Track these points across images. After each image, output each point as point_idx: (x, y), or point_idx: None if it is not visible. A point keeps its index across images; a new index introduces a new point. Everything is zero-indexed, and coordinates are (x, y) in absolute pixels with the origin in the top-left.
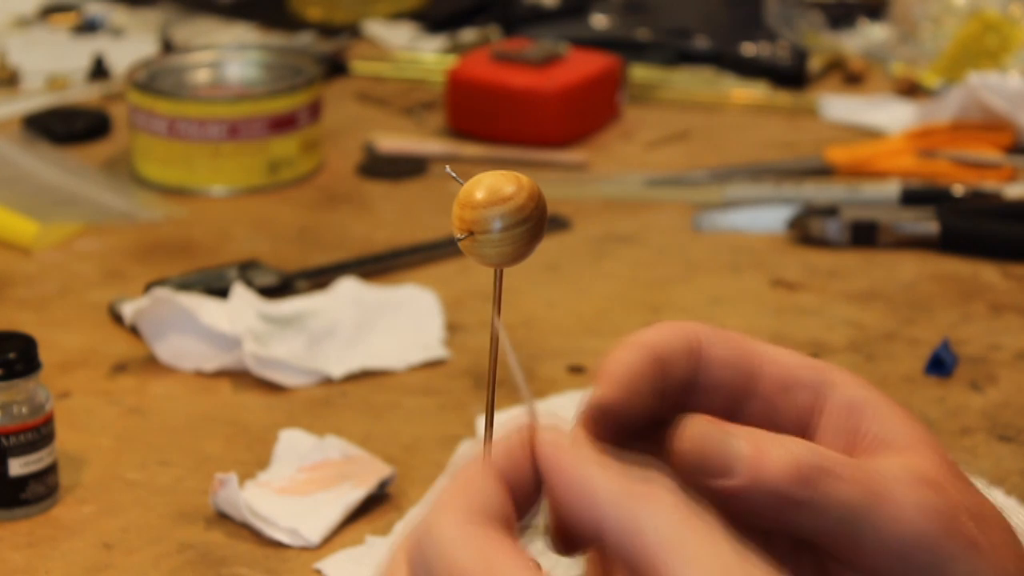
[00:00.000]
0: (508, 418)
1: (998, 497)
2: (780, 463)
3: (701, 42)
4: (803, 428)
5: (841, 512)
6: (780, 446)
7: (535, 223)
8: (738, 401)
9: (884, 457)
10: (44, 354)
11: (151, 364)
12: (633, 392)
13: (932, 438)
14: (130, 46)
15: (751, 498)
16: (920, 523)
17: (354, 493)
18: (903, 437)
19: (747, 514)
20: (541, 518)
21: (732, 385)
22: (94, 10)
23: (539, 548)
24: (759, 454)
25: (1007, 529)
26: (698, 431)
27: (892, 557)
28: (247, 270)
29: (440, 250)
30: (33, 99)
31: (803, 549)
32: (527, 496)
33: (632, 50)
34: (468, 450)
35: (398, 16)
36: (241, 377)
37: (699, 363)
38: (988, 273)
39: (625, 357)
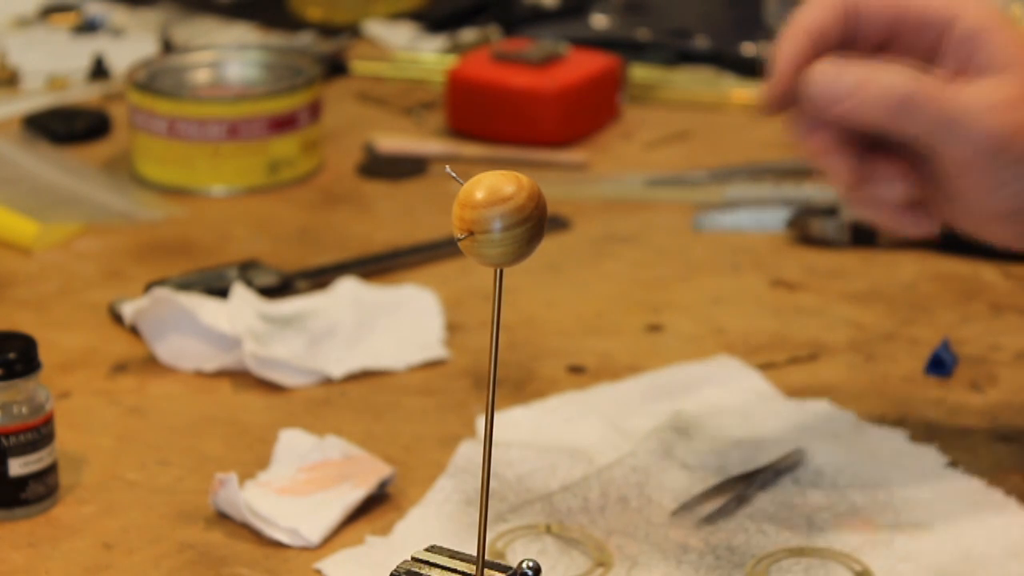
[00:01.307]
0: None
1: (996, 497)
2: (878, 92)
3: (701, 42)
4: (930, 59)
5: (921, 128)
6: (884, 76)
7: (535, 223)
8: (887, 41)
9: (978, 81)
10: (44, 354)
11: (151, 364)
12: (795, 73)
13: None
14: (130, 46)
15: (858, 118)
16: (983, 140)
17: (354, 493)
18: (1000, 62)
19: (862, 128)
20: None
21: (883, 30)
22: (94, 10)
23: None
24: (862, 85)
25: None
26: (818, 70)
27: (969, 163)
28: (247, 270)
29: (440, 250)
30: (33, 99)
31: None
32: None
33: (632, 50)
34: (468, 450)
35: (398, 16)
36: (241, 377)
37: (856, 20)
38: (988, 273)
39: (785, 47)
